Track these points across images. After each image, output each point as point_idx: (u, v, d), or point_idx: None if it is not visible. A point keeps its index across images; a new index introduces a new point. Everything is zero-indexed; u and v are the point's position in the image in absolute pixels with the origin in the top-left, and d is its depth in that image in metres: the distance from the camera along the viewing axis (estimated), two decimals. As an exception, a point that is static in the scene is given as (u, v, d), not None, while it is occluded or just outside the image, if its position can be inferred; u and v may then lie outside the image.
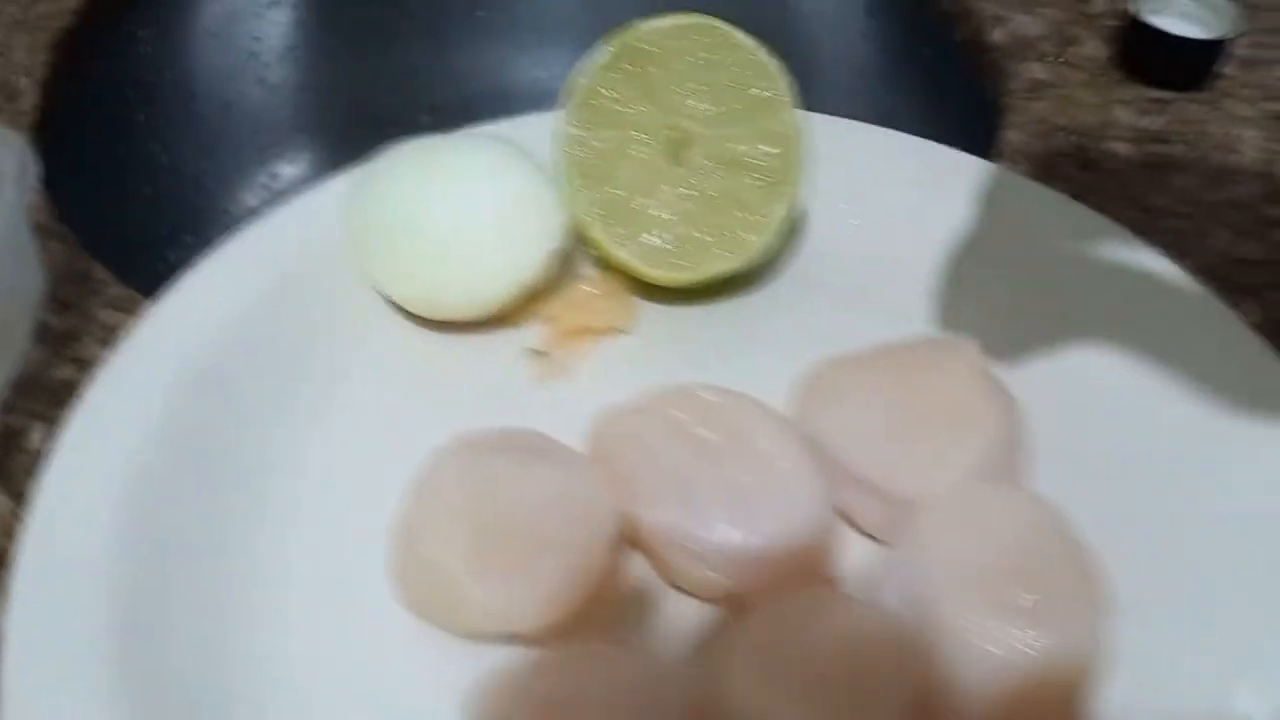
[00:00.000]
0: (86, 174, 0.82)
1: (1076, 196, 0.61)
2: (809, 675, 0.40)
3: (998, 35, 0.79)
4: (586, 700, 0.39)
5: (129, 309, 0.59)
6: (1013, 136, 0.72)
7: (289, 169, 0.98)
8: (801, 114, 0.56)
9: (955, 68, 0.82)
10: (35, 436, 0.54)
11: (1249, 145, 0.72)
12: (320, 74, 1.02)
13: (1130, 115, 0.74)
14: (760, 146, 0.56)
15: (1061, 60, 0.77)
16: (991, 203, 0.60)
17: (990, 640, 0.41)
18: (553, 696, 0.39)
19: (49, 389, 0.56)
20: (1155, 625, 0.45)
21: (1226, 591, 0.46)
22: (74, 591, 0.44)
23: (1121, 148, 0.71)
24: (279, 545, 0.48)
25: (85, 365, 0.57)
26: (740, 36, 0.55)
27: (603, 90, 0.55)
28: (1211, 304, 0.55)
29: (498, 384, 0.54)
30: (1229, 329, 0.54)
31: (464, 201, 0.53)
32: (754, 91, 0.55)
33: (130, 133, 0.90)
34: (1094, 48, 0.78)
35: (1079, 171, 0.70)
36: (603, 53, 0.55)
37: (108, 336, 0.58)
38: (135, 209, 0.88)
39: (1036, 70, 0.76)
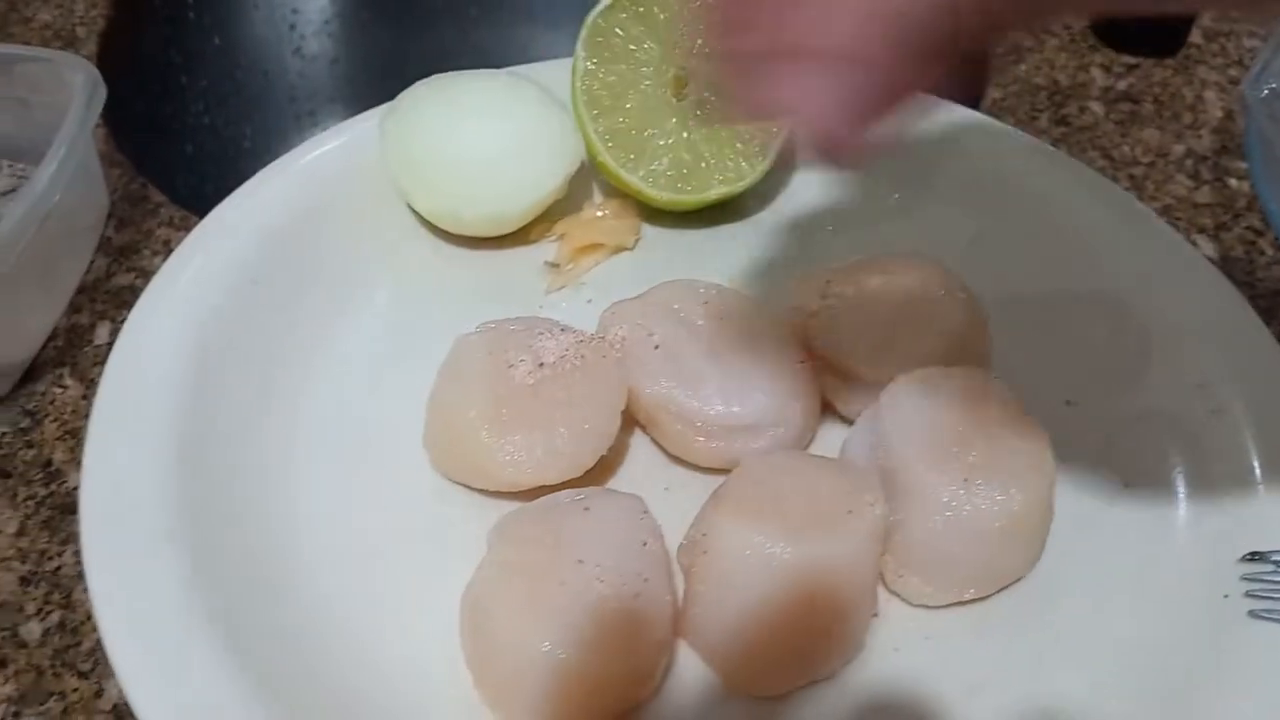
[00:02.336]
0: (134, 129, 0.89)
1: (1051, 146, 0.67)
2: (782, 510, 0.45)
3: (983, 6, 0.85)
4: (590, 532, 0.45)
5: (184, 226, 0.66)
6: (995, 94, 0.78)
7: (322, 134, 1.04)
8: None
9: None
10: (102, 332, 0.61)
11: (1211, 105, 0.77)
12: (354, 47, 1.08)
13: (1104, 77, 0.79)
14: (755, 83, 0.62)
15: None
16: (967, 144, 0.66)
17: (936, 489, 0.47)
18: (562, 528, 0.45)
19: (112, 293, 0.63)
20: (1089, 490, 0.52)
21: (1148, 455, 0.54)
22: (136, 460, 0.49)
23: (1094, 105, 0.77)
24: (322, 421, 0.54)
25: (144, 273, 0.63)
26: (738, -18, 0.61)
27: (612, 29, 0.61)
28: (1161, 229, 0.61)
29: (516, 290, 0.60)
30: (1179, 251, 0.60)
31: (486, 126, 0.59)
32: (750, 33, 0.61)
33: (175, 94, 0.97)
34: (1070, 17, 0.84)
35: (1053, 126, 0.76)
36: (611, -7, 0.61)
37: (164, 249, 0.64)
38: (178, 166, 0.94)
39: (1019, 36, 0.82)
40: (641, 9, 0.61)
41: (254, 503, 0.51)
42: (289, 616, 0.47)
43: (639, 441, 0.54)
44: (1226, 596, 0.48)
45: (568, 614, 0.42)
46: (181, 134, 0.97)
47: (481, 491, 0.51)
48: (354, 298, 0.59)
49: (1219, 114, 0.77)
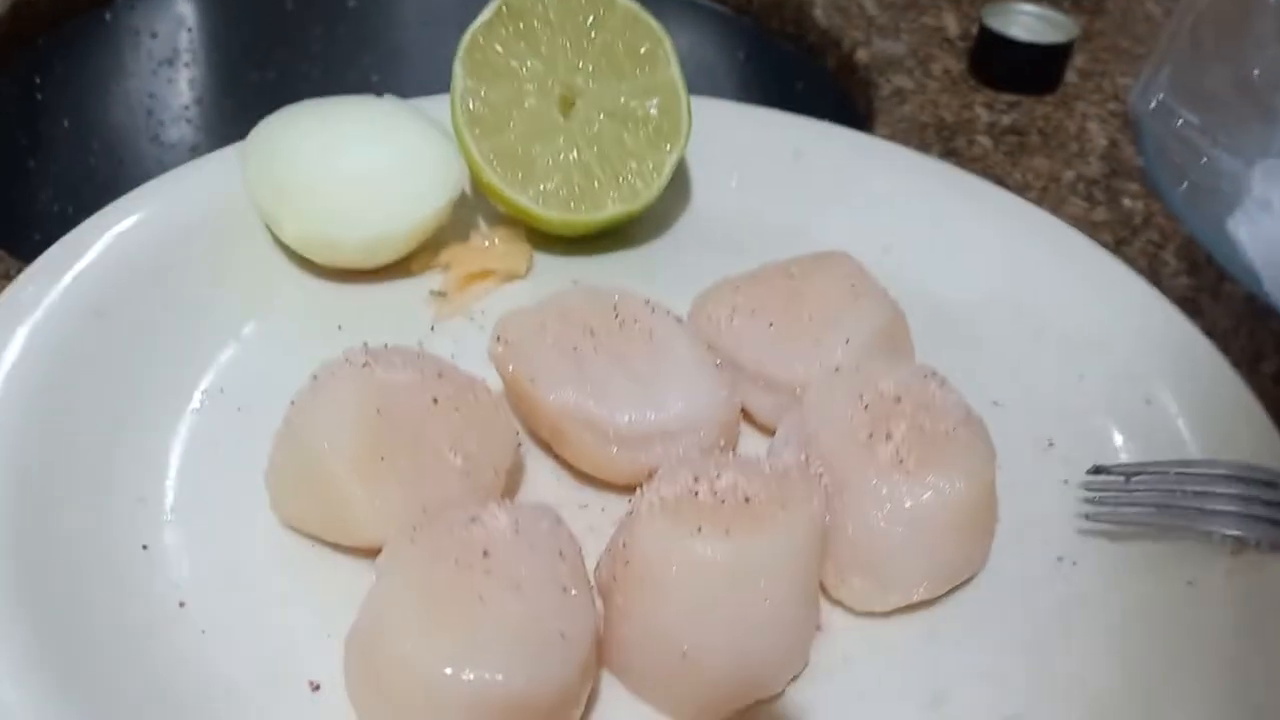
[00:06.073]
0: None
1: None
2: (709, 510, 0.40)
3: (862, 56, 0.85)
4: (501, 545, 0.39)
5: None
6: (883, 132, 0.77)
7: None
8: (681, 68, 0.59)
9: (828, 89, 0.88)
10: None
11: (1095, 134, 0.78)
12: (214, 135, 1.03)
13: (987, 114, 0.79)
14: (645, 100, 0.59)
15: (922, 73, 0.83)
16: (869, 162, 0.64)
17: (874, 482, 0.43)
18: (469, 543, 0.39)
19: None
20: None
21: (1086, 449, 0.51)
22: None
23: (982, 139, 0.77)
24: (161, 467, 0.48)
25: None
26: (621, -3, 0.59)
27: (492, 45, 0.58)
28: (1072, 235, 0.60)
29: (399, 322, 0.55)
30: (1091, 255, 0.59)
31: (362, 144, 0.55)
32: (637, 48, 0.59)
33: (21, 179, 0.90)
34: (950, 63, 0.84)
35: (945, 158, 0.75)
36: (487, 9, 0.58)
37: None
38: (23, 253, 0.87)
39: (901, 81, 0.82)
40: (521, 25, 0.58)
41: (94, 568, 0.43)
42: (135, 672, 0.40)
43: (542, 461, 0.49)
44: (1191, 583, 0.45)
45: (485, 635, 0.36)
46: (29, 220, 0.90)
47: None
48: (214, 333, 0.53)
49: (1104, 142, 0.77)
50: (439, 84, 0.59)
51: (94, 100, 0.95)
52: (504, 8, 0.58)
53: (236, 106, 1.04)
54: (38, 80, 0.90)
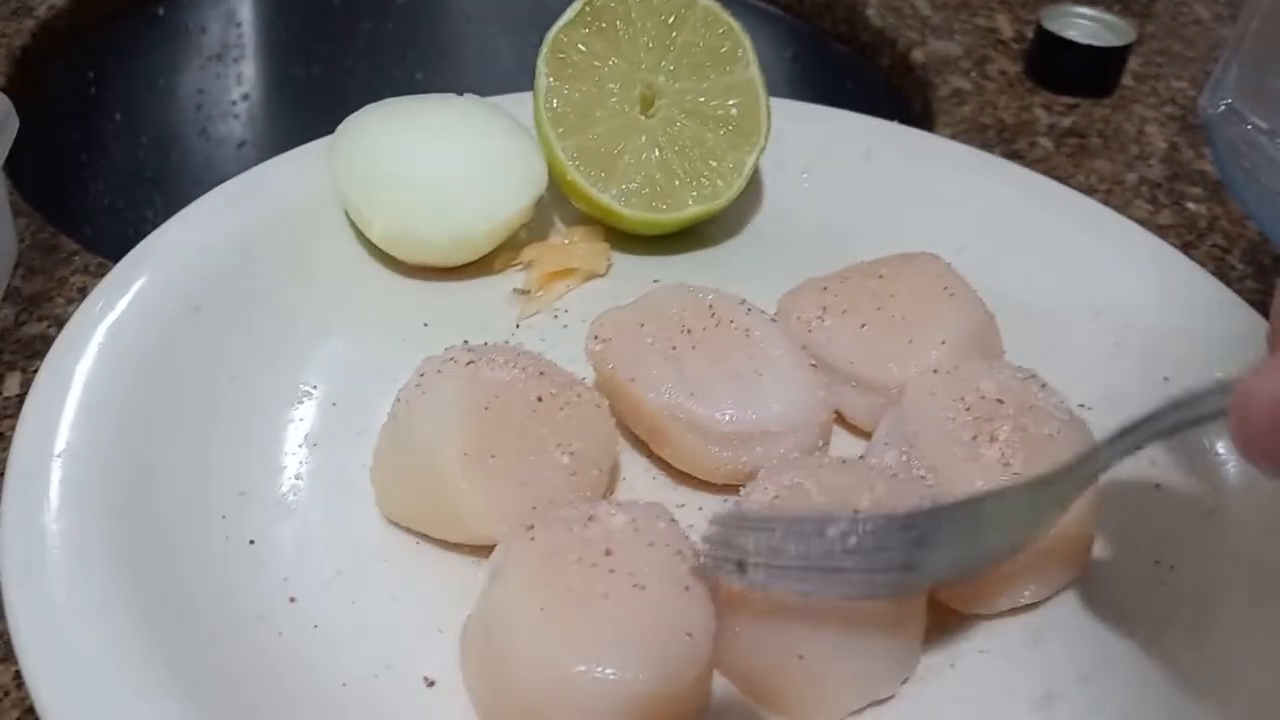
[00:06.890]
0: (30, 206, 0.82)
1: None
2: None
3: (918, 56, 0.85)
4: (619, 540, 0.39)
5: (103, 274, 0.59)
6: (944, 134, 0.77)
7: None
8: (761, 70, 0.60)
9: (880, 90, 0.88)
10: (12, 384, 0.54)
11: (1154, 137, 0.78)
12: (261, 131, 1.04)
13: (1047, 115, 0.79)
14: (726, 99, 0.59)
15: (979, 74, 0.83)
16: (943, 162, 0.65)
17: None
18: (587, 539, 0.39)
19: (23, 342, 0.56)
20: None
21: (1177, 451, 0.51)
22: (63, 521, 0.42)
23: (1043, 140, 0.77)
24: (261, 462, 0.48)
25: (59, 322, 0.56)
26: (702, -4, 0.59)
27: (574, 45, 0.58)
28: (1148, 238, 0.60)
29: (484, 319, 0.55)
30: (1169, 259, 0.59)
31: (448, 142, 0.55)
32: (717, 48, 0.59)
33: (74, 173, 0.90)
34: (1005, 65, 0.85)
35: (1007, 159, 0.75)
36: (571, 9, 0.58)
37: (80, 297, 0.58)
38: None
39: (958, 82, 0.82)
40: (604, 24, 0.58)
41: (201, 562, 0.43)
42: (250, 666, 0.40)
43: (637, 460, 0.49)
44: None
45: (615, 633, 0.37)
46: (82, 214, 0.90)
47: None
48: (306, 329, 0.53)
49: (1163, 145, 0.77)
50: (485, 80, 0.59)
51: (145, 95, 0.95)
52: (587, 7, 0.58)
53: (283, 102, 1.04)
54: (91, 75, 0.90)
